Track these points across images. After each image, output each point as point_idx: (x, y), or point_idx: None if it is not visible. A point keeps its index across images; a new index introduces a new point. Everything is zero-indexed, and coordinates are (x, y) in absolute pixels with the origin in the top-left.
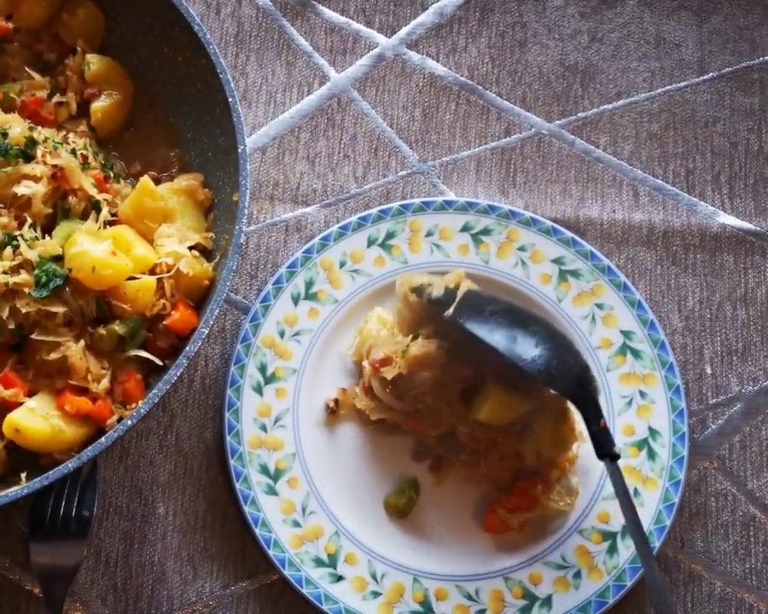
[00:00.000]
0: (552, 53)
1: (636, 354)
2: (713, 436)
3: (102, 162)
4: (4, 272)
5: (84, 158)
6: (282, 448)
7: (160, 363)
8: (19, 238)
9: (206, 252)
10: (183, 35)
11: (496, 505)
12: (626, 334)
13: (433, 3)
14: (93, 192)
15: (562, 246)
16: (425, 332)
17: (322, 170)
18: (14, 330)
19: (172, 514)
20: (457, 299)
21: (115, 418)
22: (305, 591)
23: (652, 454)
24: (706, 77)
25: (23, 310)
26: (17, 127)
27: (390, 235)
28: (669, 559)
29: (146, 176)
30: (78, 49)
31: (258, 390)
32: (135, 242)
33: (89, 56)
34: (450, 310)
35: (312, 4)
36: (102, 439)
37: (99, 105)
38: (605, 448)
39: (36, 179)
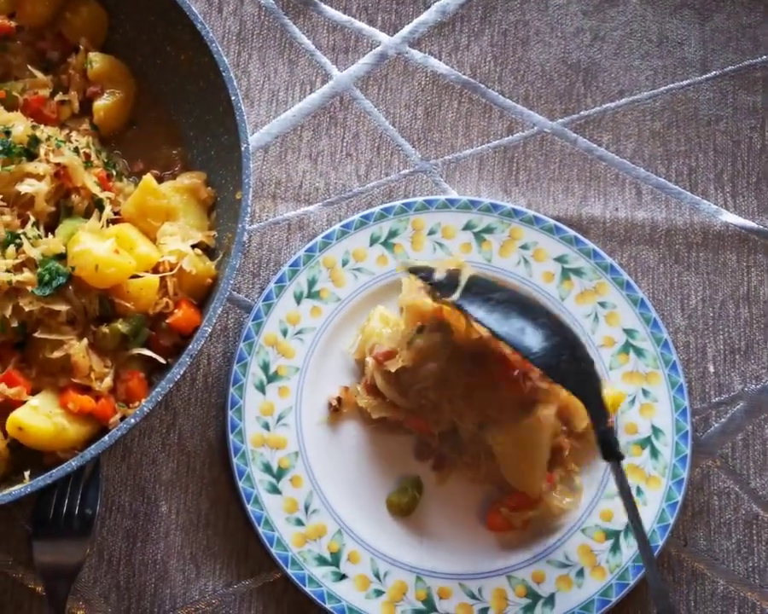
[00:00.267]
0: (555, 51)
1: (639, 352)
2: (716, 434)
3: (105, 160)
4: (7, 270)
5: (87, 156)
6: (285, 446)
7: (163, 362)
8: (22, 236)
9: (208, 251)
10: (186, 33)
11: (499, 503)
12: (629, 333)
13: (435, 2)
14: (96, 190)
15: (565, 245)
16: (430, 325)
17: (324, 168)
18: (17, 328)
19: (175, 512)
20: (462, 284)
21: (118, 416)
22: (307, 589)
23: (655, 453)
24: (708, 75)
25: (26, 309)
26: (20, 125)
27: (392, 234)
28: (672, 558)
29: (149, 174)
30: (81, 47)
31: (261, 388)
32: (138, 240)
33: (91, 55)
34: (456, 295)
35: (315, 2)
36: (105, 438)
37: (102, 103)
38: (612, 449)
39: (39, 177)
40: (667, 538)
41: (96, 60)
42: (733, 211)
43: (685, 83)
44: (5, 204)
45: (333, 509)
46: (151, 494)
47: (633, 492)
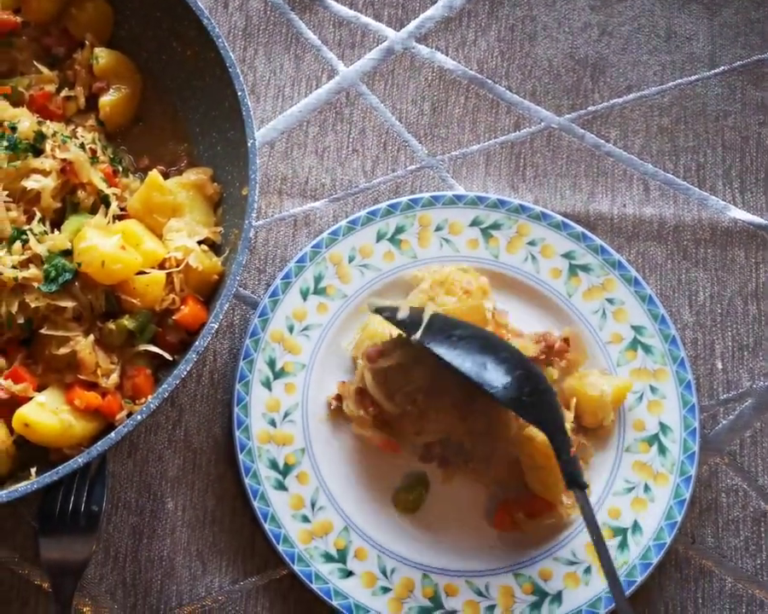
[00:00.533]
0: (562, 46)
1: (647, 349)
2: (724, 431)
3: (111, 156)
4: (13, 267)
5: (93, 152)
6: (292, 443)
7: (170, 358)
8: (28, 232)
9: (214, 247)
10: (192, 29)
11: (510, 507)
12: (637, 329)
13: None
14: (102, 186)
15: (572, 241)
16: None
17: (330, 164)
18: (23, 325)
19: (181, 509)
20: (424, 322)
21: (124, 413)
22: (314, 586)
23: (663, 450)
24: (717, 70)
25: (32, 305)
26: (26, 121)
27: (399, 230)
28: (680, 555)
29: (155, 170)
30: (87, 43)
31: (267, 385)
32: (144, 237)
33: (97, 50)
34: (418, 334)
35: None
36: (112, 434)
37: (107, 99)
38: (575, 478)
39: (45, 173)
40: (675, 535)
41: (102, 56)
42: (741, 208)
43: (693, 78)
44: (11, 200)
45: (339, 506)
46: (157, 490)
47: (641, 489)
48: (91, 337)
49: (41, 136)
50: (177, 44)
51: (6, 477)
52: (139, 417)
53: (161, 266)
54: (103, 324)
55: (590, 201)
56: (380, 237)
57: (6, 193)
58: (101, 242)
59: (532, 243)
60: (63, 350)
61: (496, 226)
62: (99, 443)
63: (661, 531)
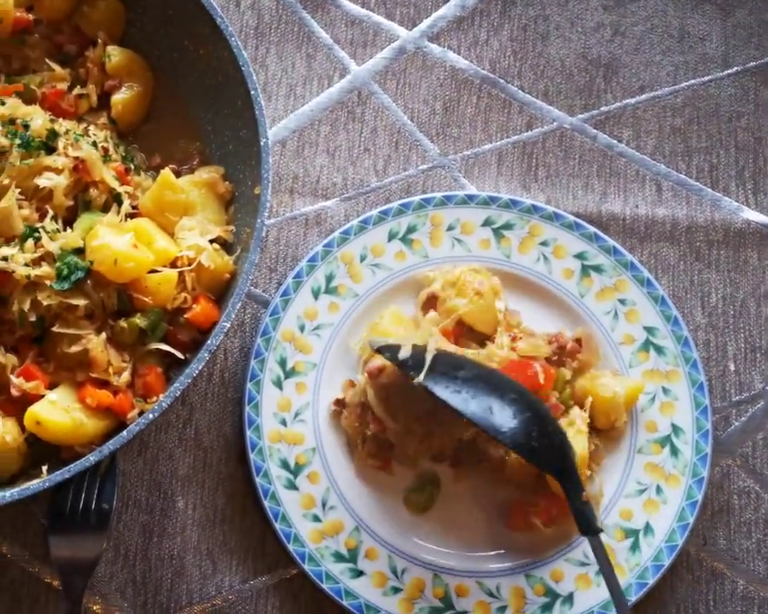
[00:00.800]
0: (575, 46)
1: (659, 350)
2: (737, 433)
3: (123, 154)
4: (26, 264)
5: (105, 150)
6: (302, 442)
7: (182, 357)
8: (40, 230)
9: (226, 245)
10: (205, 27)
11: (529, 509)
12: (649, 330)
13: None
14: (114, 184)
15: (585, 241)
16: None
17: (342, 163)
18: (35, 322)
19: (191, 508)
20: (427, 363)
21: (136, 411)
22: (325, 586)
23: (675, 451)
24: (730, 71)
25: (44, 303)
26: (39, 119)
27: (411, 229)
28: (691, 557)
29: (167, 168)
30: (99, 41)
31: (278, 384)
32: (156, 235)
33: (109, 48)
34: (421, 377)
35: None
36: (124, 433)
37: (119, 97)
38: (589, 525)
39: (58, 171)
40: (687, 537)
41: (114, 54)
42: (754, 209)
43: (706, 79)
44: (24, 197)
45: (350, 505)
46: (168, 489)
47: (653, 491)
48: (103, 335)
49: (54, 134)
50: (189, 43)
51: (18, 475)
52: (151, 416)
53: (173, 265)
54: (115, 322)
55: (603, 202)
56: (391, 236)
57: (19, 190)
58: (113, 240)
59: (544, 243)
60: (75, 348)
61: (508, 226)
62: (111, 441)
63: (673, 533)
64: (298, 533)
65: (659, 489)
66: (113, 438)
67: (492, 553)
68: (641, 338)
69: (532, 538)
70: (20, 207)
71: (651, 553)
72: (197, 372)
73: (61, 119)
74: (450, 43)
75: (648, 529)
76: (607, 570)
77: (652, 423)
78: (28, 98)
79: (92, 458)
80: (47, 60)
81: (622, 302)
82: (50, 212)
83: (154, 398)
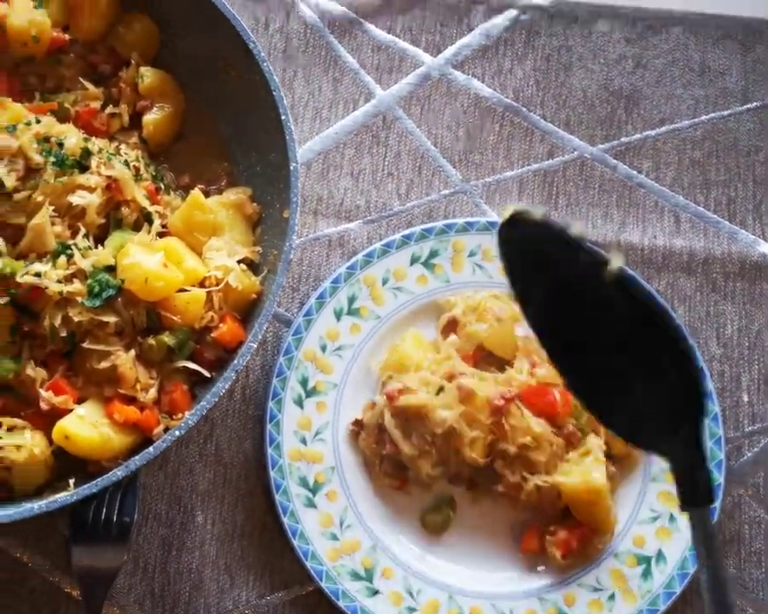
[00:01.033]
0: (597, 77)
1: None
2: (749, 463)
3: (153, 174)
4: (58, 281)
5: (137, 169)
6: (322, 461)
7: (208, 375)
8: (73, 247)
9: (252, 266)
10: (237, 50)
11: (548, 538)
12: None
13: (479, 25)
14: (145, 203)
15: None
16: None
17: (365, 186)
18: (66, 338)
19: (211, 523)
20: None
21: (161, 427)
22: (341, 604)
23: None
24: (749, 106)
25: (75, 319)
26: (72, 137)
27: (433, 254)
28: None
29: (196, 189)
30: (133, 61)
31: (299, 403)
32: (185, 255)
33: (143, 69)
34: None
35: (360, 22)
36: (150, 449)
37: (151, 117)
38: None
39: (90, 189)
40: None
41: (147, 75)
42: None
43: (726, 113)
44: (57, 214)
45: (367, 525)
46: (187, 503)
47: (666, 519)
48: (132, 352)
49: (87, 153)
50: (220, 65)
51: (44, 487)
52: (177, 432)
53: (201, 284)
54: (143, 340)
55: (621, 231)
56: (413, 261)
57: (52, 208)
58: (144, 259)
59: None
60: (104, 364)
61: None
62: (137, 457)
63: (685, 561)
64: (315, 551)
65: (672, 518)
66: (140, 454)
67: (506, 575)
68: None
69: (546, 561)
70: (53, 224)
71: (663, 580)
72: (224, 391)
73: (93, 138)
74: (475, 70)
75: (660, 556)
76: (710, 545)
77: None
78: (62, 116)
79: (119, 473)
80: (81, 79)
81: None
82: (82, 230)
83: (180, 415)
